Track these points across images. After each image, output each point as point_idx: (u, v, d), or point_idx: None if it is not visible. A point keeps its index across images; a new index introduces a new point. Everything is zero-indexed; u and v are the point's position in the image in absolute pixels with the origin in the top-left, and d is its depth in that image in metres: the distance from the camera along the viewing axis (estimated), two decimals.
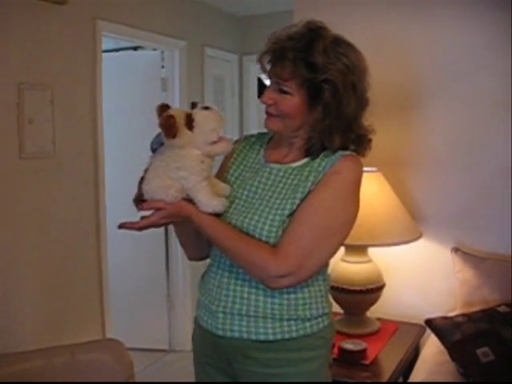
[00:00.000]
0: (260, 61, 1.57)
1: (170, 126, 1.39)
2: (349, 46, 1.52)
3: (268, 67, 1.55)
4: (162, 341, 4.37)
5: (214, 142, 1.44)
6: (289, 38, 1.47)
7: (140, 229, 1.47)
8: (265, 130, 1.65)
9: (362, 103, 1.54)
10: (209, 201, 1.46)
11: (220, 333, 1.53)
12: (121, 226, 1.46)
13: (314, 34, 1.47)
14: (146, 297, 4.30)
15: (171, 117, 1.39)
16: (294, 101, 1.49)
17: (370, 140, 1.59)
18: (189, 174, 1.43)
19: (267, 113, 1.56)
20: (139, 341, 4.08)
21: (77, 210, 3.20)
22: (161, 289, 4.37)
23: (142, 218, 1.47)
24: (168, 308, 4.39)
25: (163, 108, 1.44)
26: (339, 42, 1.50)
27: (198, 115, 1.43)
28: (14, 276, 2.79)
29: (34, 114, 2.84)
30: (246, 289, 1.52)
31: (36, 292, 2.91)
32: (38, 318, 2.92)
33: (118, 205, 3.59)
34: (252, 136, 1.77)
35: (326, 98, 1.47)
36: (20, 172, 2.81)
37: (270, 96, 1.53)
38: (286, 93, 1.49)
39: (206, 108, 1.47)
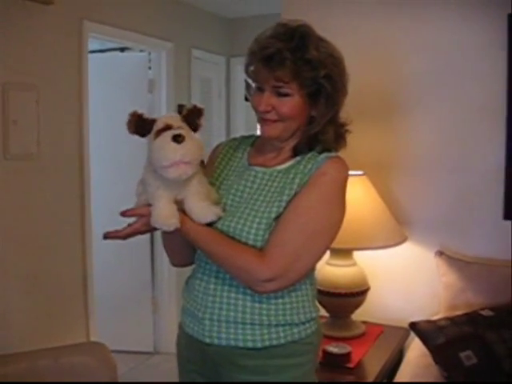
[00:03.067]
0: (248, 70, 1.55)
1: (129, 122, 1.38)
2: (327, 41, 1.53)
3: (257, 74, 1.51)
4: (147, 343, 4.36)
5: (166, 167, 1.35)
6: (279, 40, 1.45)
7: (125, 237, 1.46)
8: (247, 133, 1.64)
9: (345, 92, 1.55)
10: (201, 210, 1.44)
11: (207, 340, 1.52)
12: (106, 237, 1.44)
13: (301, 32, 1.47)
14: (132, 299, 4.28)
15: (135, 116, 1.38)
16: (294, 101, 1.48)
17: (347, 131, 1.60)
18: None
19: (264, 119, 1.52)
20: (124, 343, 4.06)
21: (62, 211, 3.18)
22: (146, 291, 4.35)
23: (129, 225, 1.45)
24: (153, 310, 4.38)
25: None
26: (322, 39, 1.51)
27: (156, 140, 1.35)
28: None
29: (19, 114, 2.82)
30: (233, 295, 1.50)
31: (20, 294, 2.88)
32: (23, 320, 2.89)
33: (103, 207, 3.59)
34: (235, 139, 1.76)
35: (327, 91, 1.48)
36: (4, 173, 2.79)
37: (268, 102, 1.49)
38: (284, 95, 1.48)
39: (191, 112, 1.43)
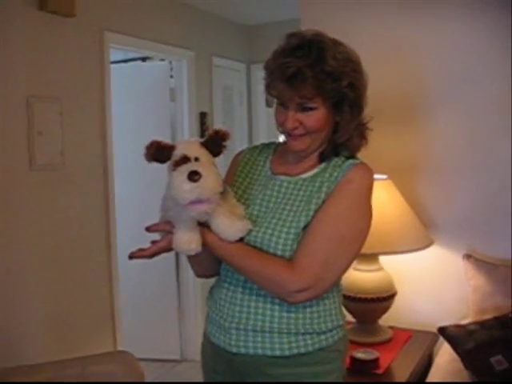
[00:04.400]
0: (269, 89, 1.53)
1: (147, 153, 1.35)
2: (341, 43, 1.51)
3: (280, 93, 1.49)
4: (174, 351, 4.37)
5: (185, 205, 1.32)
6: (296, 56, 1.43)
7: (151, 256, 1.44)
8: (269, 140, 1.63)
9: (366, 91, 1.55)
10: (228, 230, 1.41)
11: (234, 350, 1.51)
12: (131, 257, 1.43)
13: (316, 43, 1.46)
14: (157, 307, 4.30)
15: (154, 146, 1.35)
16: (320, 114, 1.47)
17: (367, 129, 1.58)
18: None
19: (291, 135, 1.51)
20: (150, 351, 4.08)
21: (87, 222, 3.20)
22: (172, 299, 4.36)
23: (153, 242, 1.44)
24: (179, 318, 4.38)
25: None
26: (336, 43, 1.50)
27: (173, 176, 1.32)
28: (24, 289, 2.80)
29: (44, 126, 2.86)
30: (260, 304, 1.49)
31: (47, 304, 2.91)
32: (49, 330, 2.92)
33: (128, 218, 3.62)
34: (256, 147, 1.75)
35: (351, 99, 1.48)
36: (30, 183, 2.82)
37: (293, 119, 1.47)
38: (310, 109, 1.46)
39: (211, 138, 1.38)
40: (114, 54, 3.66)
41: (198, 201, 1.31)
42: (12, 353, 2.67)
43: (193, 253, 1.38)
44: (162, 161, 1.36)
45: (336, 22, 1.79)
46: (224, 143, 1.37)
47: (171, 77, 4.24)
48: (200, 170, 1.30)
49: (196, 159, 1.33)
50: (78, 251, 3.12)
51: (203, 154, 1.35)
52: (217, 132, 1.38)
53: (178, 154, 1.34)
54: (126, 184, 3.82)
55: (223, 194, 1.42)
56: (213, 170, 1.34)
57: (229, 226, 1.40)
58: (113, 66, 3.48)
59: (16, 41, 2.74)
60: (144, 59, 4.47)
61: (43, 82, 2.89)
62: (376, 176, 1.58)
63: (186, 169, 1.30)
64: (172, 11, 4.03)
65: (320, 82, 1.42)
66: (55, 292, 2.96)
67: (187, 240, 1.37)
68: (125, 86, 3.99)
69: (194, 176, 1.29)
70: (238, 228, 1.42)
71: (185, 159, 1.32)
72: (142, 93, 4.16)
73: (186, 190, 1.29)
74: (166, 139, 1.42)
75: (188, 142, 1.42)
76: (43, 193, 2.90)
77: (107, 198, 3.35)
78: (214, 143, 1.38)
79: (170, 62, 4.23)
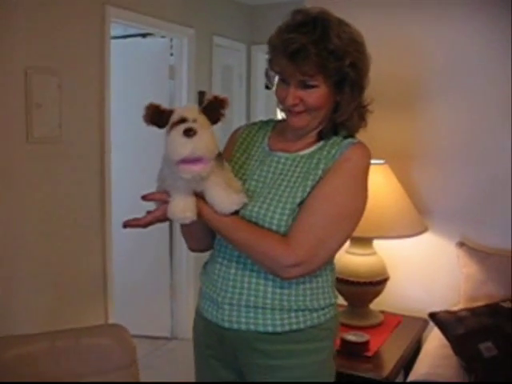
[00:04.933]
0: (272, 65, 1.54)
1: (145, 114, 1.34)
2: (346, 23, 1.50)
3: (282, 69, 1.49)
4: (165, 328, 4.39)
5: (179, 163, 1.31)
6: (301, 33, 1.43)
7: (145, 225, 1.43)
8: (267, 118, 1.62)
9: (368, 75, 1.55)
10: (223, 201, 1.40)
11: (226, 325, 1.52)
12: (126, 225, 1.42)
13: (321, 20, 1.45)
14: (149, 284, 4.31)
15: (152, 107, 1.34)
16: (320, 92, 1.47)
17: (367, 111, 1.58)
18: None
19: (291, 111, 1.52)
20: (142, 328, 4.09)
21: (83, 196, 3.20)
22: (164, 276, 4.38)
23: (148, 212, 1.43)
24: (171, 296, 4.40)
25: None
26: (341, 22, 1.49)
27: (169, 134, 1.32)
28: (18, 260, 2.80)
29: (42, 98, 2.84)
30: (254, 280, 1.50)
31: (40, 277, 2.92)
32: (42, 302, 2.93)
33: (123, 192, 3.61)
34: (254, 124, 1.75)
35: (352, 78, 1.48)
36: (27, 156, 2.81)
37: (294, 95, 1.48)
38: (311, 87, 1.47)
39: (210, 103, 1.37)
40: (114, 30, 3.63)
41: (192, 160, 1.29)
42: (3, 323, 2.69)
43: (187, 221, 1.37)
44: (159, 125, 1.35)
45: (341, 5, 1.80)
46: (222, 110, 1.36)
47: (171, 54, 4.21)
48: (195, 128, 1.29)
49: (194, 121, 1.32)
50: (72, 224, 3.12)
51: (201, 118, 1.34)
52: (216, 98, 1.37)
53: (176, 116, 1.33)
54: (122, 158, 3.81)
55: (220, 166, 1.42)
56: (209, 131, 1.33)
57: (224, 197, 1.40)
58: (113, 41, 3.45)
59: (16, 11, 2.71)
60: (144, 35, 4.43)
61: (42, 54, 2.86)
62: (373, 160, 1.59)
63: (182, 126, 1.30)
64: None
65: (322, 60, 1.42)
66: (48, 264, 2.97)
67: (182, 208, 1.36)
68: (124, 62, 3.96)
69: (189, 132, 1.28)
70: (233, 201, 1.41)
71: (182, 120, 1.31)
72: (141, 69, 4.14)
73: (180, 143, 1.28)
74: None
75: (187, 106, 1.41)
76: (40, 165, 2.89)
77: (103, 171, 3.34)
78: (213, 110, 1.36)
79: (171, 40, 4.19)
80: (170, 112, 1.35)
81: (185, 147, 1.28)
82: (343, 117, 1.53)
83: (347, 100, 1.51)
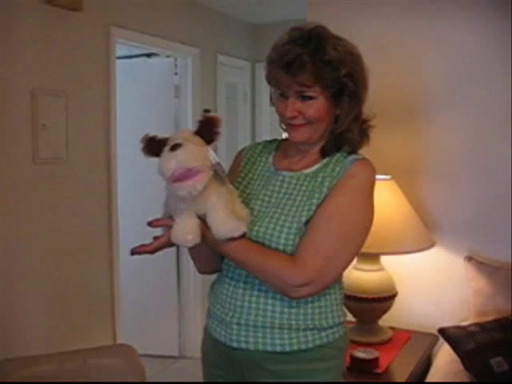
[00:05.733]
0: (270, 79, 1.54)
1: (142, 147, 1.34)
2: (342, 38, 1.52)
3: (279, 81, 1.50)
4: (173, 347, 4.37)
5: (172, 180, 1.29)
6: (297, 45, 1.45)
7: (153, 251, 1.42)
8: (271, 138, 1.63)
9: (367, 88, 1.55)
10: (221, 227, 1.36)
11: (234, 344, 1.50)
12: (133, 252, 1.41)
13: (317, 33, 1.47)
14: (157, 303, 4.30)
15: (146, 139, 1.34)
16: (319, 103, 1.48)
17: (369, 126, 1.59)
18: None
19: (291, 125, 1.52)
20: (150, 347, 4.08)
21: (89, 216, 3.21)
22: (172, 295, 4.37)
23: (155, 238, 1.43)
24: (179, 315, 4.39)
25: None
26: (337, 37, 1.51)
27: (163, 154, 1.30)
28: (25, 281, 2.80)
29: (48, 119, 2.86)
30: (262, 299, 1.49)
31: (48, 297, 2.92)
32: (50, 323, 2.93)
33: (130, 212, 3.62)
34: (258, 144, 1.75)
35: (350, 89, 1.48)
36: (33, 177, 2.83)
37: (293, 108, 1.48)
38: (309, 98, 1.47)
39: (202, 124, 1.35)
40: (119, 50, 3.66)
41: (184, 174, 1.27)
42: (12, 344, 2.68)
43: (189, 244, 1.36)
44: (158, 155, 1.33)
45: (342, 21, 1.81)
46: (216, 129, 1.35)
47: (176, 74, 4.24)
48: (181, 142, 1.28)
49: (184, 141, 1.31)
50: (79, 245, 3.12)
51: (194, 139, 1.33)
52: (207, 118, 1.35)
53: (169, 142, 1.32)
54: (128, 179, 3.83)
55: (225, 188, 1.40)
56: (197, 145, 1.31)
57: (222, 222, 1.36)
58: (118, 61, 3.48)
59: (23, 33, 2.74)
60: (149, 55, 4.47)
61: (49, 76, 2.89)
62: (379, 176, 1.59)
63: (169, 145, 1.29)
64: (178, 8, 4.03)
65: (318, 70, 1.44)
66: (56, 284, 2.97)
67: (184, 231, 1.35)
68: (129, 82, 3.99)
69: (174, 147, 1.28)
70: (230, 227, 1.36)
71: (176, 145, 1.30)
72: (146, 89, 4.17)
73: (166, 158, 1.28)
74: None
75: (180, 131, 1.40)
76: (46, 186, 2.90)
77: (110, 192, 3.35)
78: (207, 130, 1.35)
79: (175, 59, 4.23)
80: (166, 140, 1.34)
81: (170, 161, 1.27)
82: (342, 128, 1.53)
83: (346, 111, 1.51)
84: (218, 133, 1.36)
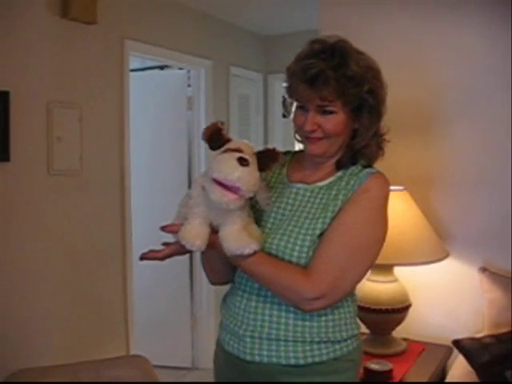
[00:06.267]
0: (290, 91, 1.55)
1: (206, 129, 1.39)
2: (363, 52, 1.53)
3: (301, 95, 1.50)
4: (186, 359, 4.37)
5: (216, 182, 1.32)
6: (320, 59, 1.45)
7: (163, 258, 1.43)
8: (284, 150, 1.63)
9: (385, 101, 1.55)
10: (233, 243, 1.37)
11: (248, 358, 1.50)
12: (143, 258, 1.42)
13: (339, 48, 1.48)
14: (170, 315, 4.31)
15: (215, 127, 1.38)
16: (339, 118, 1.48)
17: (384, 140, 1.59)
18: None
19: (310, 138, 1.52)
20: (163, 358, 4.07)
21: (103, 228, 3.23)
22: (185, 307, 4.37)
23: (164, 244, 1.44)
24: (192, 326, 4.38)
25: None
26: (358, 51, 1.52)
27: (223, 154, 1.35)
28: (40, 292, 2.82)
29: (63, 131, 2.89)
30: (275, 312, 1.48)
31: (61, 308, 2.93)
32: (63, 334, 2.94)
33: (143, 223, 3.63)
34: None
35: (371, 105, 1.49)
36: (48, 188, 2.85)
37: (313, 121, 1.48)
38: (330, 112, 1.47)
39: (264, 152, 1.41)
40: (132, 62, 3.69)
41: (230, 187, 1.30)
42: (25, 355, 2.69)
43: (195, 248, 1.36)
44: (213, 146, 1.38)
45: (354, 32, 1.81)
46: (272, 164, 1.40)
47: (189, 85, 4.27)
48: (250, 161, 1.32)
49: (248, 156, 1.35)
50: (93, 256, 3.14)
51: (254, 157, 1.37)
52: (271, 150, 1.41)
53: (233, 145, 1.36)
54: (142, 190, 3.84)
55: (245, 209, 1.42)
56: (258, 172, 1.36)
57: (234, 239, 1.37)
58: (131, 73, 3.51)
59: (38, 47, 2.78)
60: (162, 68, 4.51)
61: (63, 88, 2.92)
62: (393, 187, 1.59)
63: (238, 154, 1.32)
64: (191, 21, 4.06)
65: (341, 86, 1.44)
66: (69, 295, 2.98)
67: (194, 234, 1.36)
68: (143, 94, 4.02)
69: (243, 161, 1.31)
70: (241, 245, 1.36)
71: (239, 150, 1.34)
72: (159, 101, 4.20)
73: (231, 165, 1.30)
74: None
75: (245, 142, 1.43)
76: (61, 198, 2.92)
77: (124, 204, 3.37)
78: (264, 158, 1.40)
79: (188, 71, 4.25)
80: (228, 140, 1.38)
81: (234, 171, 1.30)
82: (361, 144, 1.53)
83: (365, 126, 1.51)
84: (272, 168, 1.43)
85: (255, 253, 1.39)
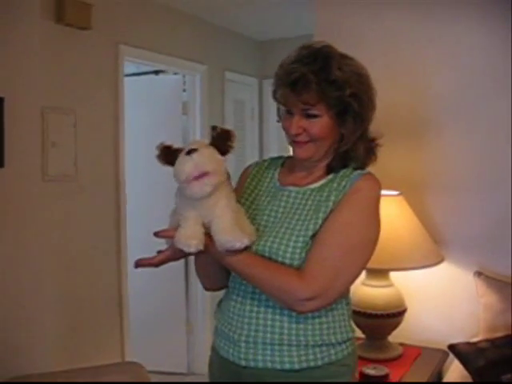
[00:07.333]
0: (276, 95, 1.56)
1: (158, 155, 1.39)
2: (350, 57, 1.54)
3: (285, 99, 1.52)
4: (181, 364, 4.36)
5: (183, 182, 1.34)
6: (303, 63, 1.47)
7: (157, 264, 1.44)
8: (279, 154, 1.64)
9: (373, 108, 1.56)
10: (225, 237, 1.37)
11: (243, 363, 1.49)
12: (138, 265, 1.42)
13: (323, 53, 1.49)
14: (166, 320, 4.30)
15: (162, 147, 1.39)
16: (323, 122, 1.49)
17: (377, 145, 1.59)
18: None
19: (296, 142, 1.53)
20: (158, 364, 4.06)
21: (98, 233, 3.22)
22: (180, 312, 4.36)
23: (159, 252, 1.44)
24: (187, 331, 4.38)
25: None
26: (345, 56, 1.52)
27: (179, 158, 1.37)
28: (34, 298, 2.80)
29: (58, 137, 2.89)
30: (269, 316, 1.48)
31: (56, 314, 2.92)
32: (58, 340, 2.92)
33: (138, 228, 3.63)
34: (264, 161, 1.77)
35: (355, 109, 1.49)
36: (43, 194, 2.83)
37: (298, 125, 1.50)
38: (314, 116, 1.49)
39: (218, 136, 1.40)
40: (127, 67, 3.69)
41: (197, 177, 1.32)
42: (20, 362, 2.67)
43: (192, 249, 1.35)
44: (173, 164, 1.37)
45: (349, 38, 1.82)
46: (230, 143, 1.39)
47: (184, 90, 4.28)
48: (197, 147, 1.33)
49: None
50: (88, 261, 3.13)
51: (209, 146, 1.38)
52: (223, 130, 1.40)
53: (185, 149, 1.37)
54: (137, 196, 3.84)
55: (234, 201, 1.43)
56: (212, 150, 1.36)
57: (227, 231, 1.37)
58: (126, 78, 3.51)
59: (32, 52, 2.76)
60: (157, 73, 4.51)
61: (58, 94, 2.92)
62: (387, 192, 1.59)
63: (185, 151, 1.35)
64: (186, 26, 4.07)
65: (323, 89, 1.45)
66: (64, 300, 2.97)
67: (189, 235, 1.36)
68: (137, 100, 4.01)
69: (191, 151, 1.33)
70: (234, 237, 1.36)
71: (192, 150, 1.35)
72: (154, 106, 4.20)
73: (183, 162, 1.33)
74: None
75: (197, 140, 1.44)
76: (56, 203, 2.92)
77: (118, 208, 3.37)
78: (222, 142, 1.39)
79: (183, 76, 4.26)
80: (181, 149, 1.38)
81: (187, 164, 1.32)
82: (346, 147, 1.54)
83: (350, 130, 1.52)
84: (232, 146, 1.39)
85: (246, 248, 1.39)
